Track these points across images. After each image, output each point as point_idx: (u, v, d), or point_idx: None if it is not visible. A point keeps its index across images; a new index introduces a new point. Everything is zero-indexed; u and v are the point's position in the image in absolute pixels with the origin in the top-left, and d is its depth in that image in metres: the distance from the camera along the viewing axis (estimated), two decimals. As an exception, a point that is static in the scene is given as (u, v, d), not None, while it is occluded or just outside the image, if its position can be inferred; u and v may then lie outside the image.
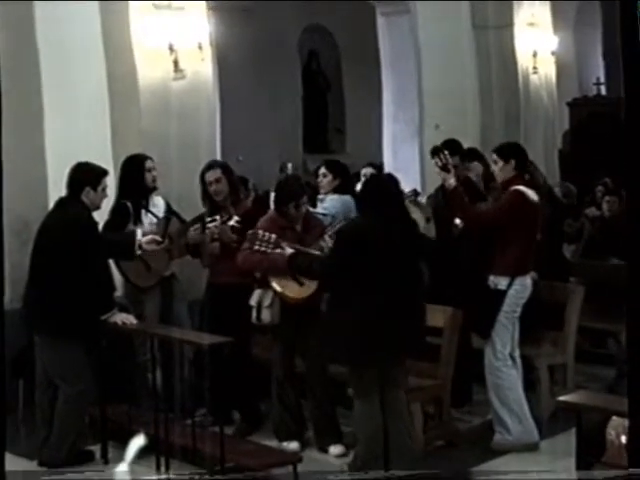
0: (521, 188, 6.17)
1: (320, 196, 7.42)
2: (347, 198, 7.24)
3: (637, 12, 3.29)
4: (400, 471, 5.02)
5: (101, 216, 6.48)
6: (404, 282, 5.48)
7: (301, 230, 6.25)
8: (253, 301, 6.22)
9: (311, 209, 6.70)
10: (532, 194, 6.21)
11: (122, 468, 3.12)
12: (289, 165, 7.01)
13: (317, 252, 5.99)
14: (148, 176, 6.77)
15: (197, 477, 5.36)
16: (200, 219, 6.68)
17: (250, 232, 6.19)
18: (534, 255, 6.26)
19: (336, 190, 7.32)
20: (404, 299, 5.46)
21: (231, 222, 6.46)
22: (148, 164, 6.79)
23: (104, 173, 6.19)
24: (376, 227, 5.51)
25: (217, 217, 6.50)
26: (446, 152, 6.21)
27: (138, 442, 3.24)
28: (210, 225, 6.48)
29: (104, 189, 6.18)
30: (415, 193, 6.85)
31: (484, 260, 6.19)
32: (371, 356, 5.45)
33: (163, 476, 5.61)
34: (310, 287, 6.08)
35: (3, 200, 3.39)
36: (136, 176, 6.75)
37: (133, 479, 3.21)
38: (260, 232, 5.99)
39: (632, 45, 3.29)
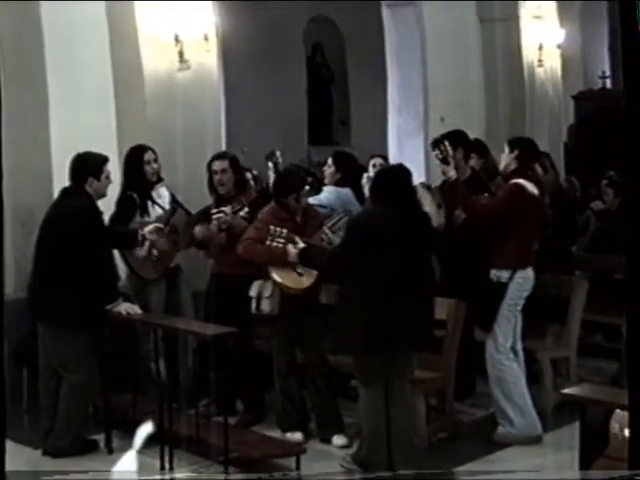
0: (520, 181, 6.17)
1: (324, 187, 7.43)
2: (345, 191, 7.22)
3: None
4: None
5: (107, 206, 6.49)
6: (414, 274, 5.47)
7: (301, 222, 6.25)
8: (253, 292, 6.22)
9: (310, 200, 6.68)
10: (532, 187, 6.21)
11: (129, 457, 3.12)
12: (277, 153, 6.89)
13: (329, 246, 5.98)
14: (148, 169, 6.73)
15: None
16: (206, 212, 6.68)
17: (254, 225, 6.21)
18: (536, 248, 6.26)
19: (338, 182, 7.31)
20: (413, 291, 5.44)
21: (241, 213, 6.48)
22: (147, 157, 6.73)
23: (105, 161, 6.17)
24: (387, 218, 5.48)
25: (228, 208, 6.51)
26: (446, 143, 6.20)
27: (146, 430, 3.24)
28: (221, 215, 6.48)
29: (107, 176, 6.18)
30: (426, 186, 6.84)
31: (486, 253, 6.19)
32: (377, 347, 5.44)
33: (167, 476, 5.62)
34: (309, 278, 6.08)
35: (3, 191, 3.38)
36: (135, 169, 6.73)
37: (139, 478, 3.21)
38: (272, 227, 5.97)
39: (631, 40, 3.29)
